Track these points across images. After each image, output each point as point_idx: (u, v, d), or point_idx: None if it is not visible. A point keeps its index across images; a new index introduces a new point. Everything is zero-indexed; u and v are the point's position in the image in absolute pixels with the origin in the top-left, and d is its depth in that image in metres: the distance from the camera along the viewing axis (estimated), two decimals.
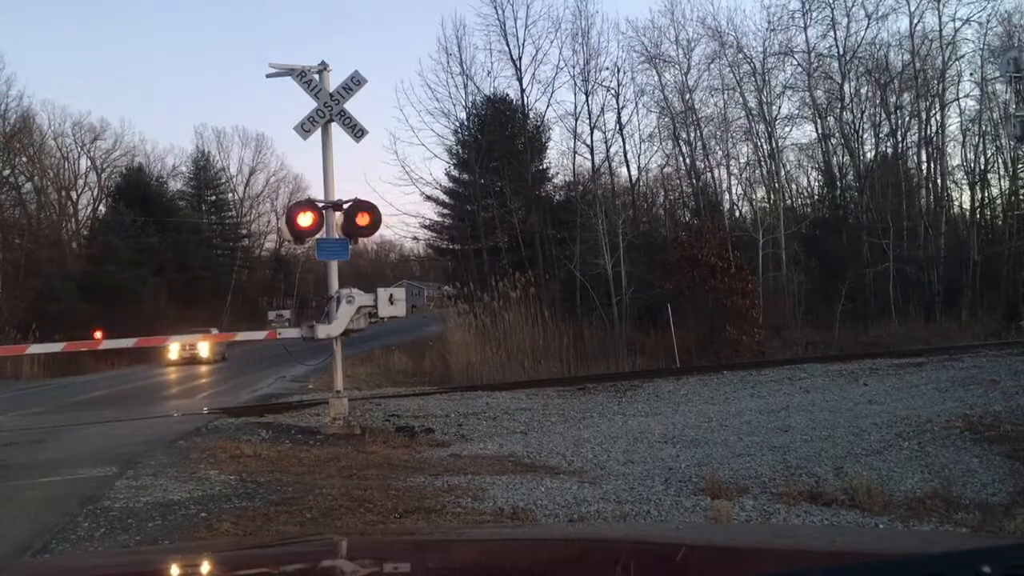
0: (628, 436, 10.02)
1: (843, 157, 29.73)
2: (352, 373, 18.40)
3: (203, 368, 27.94)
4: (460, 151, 29.18)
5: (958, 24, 27.47)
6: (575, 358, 20.17)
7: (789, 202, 30.22)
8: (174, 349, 28.77)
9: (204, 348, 29.19)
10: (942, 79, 27.80)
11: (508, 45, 27.64)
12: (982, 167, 29.04)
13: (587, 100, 27.77)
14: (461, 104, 28.17)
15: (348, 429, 10.71)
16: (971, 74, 28.49)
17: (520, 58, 27.66)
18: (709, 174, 29.63)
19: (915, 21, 27.63)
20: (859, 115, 28.98)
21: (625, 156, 28.95)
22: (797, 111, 29.34)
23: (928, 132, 28.45)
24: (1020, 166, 28.96)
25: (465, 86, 27.87)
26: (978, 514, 6.09)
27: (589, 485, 7.32)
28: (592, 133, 27.86)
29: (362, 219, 10.63)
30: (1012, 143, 26.40)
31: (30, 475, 8.23)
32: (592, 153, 27.90)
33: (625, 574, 1.63)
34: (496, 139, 27.73)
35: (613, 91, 27.97)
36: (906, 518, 6.03)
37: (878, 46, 28.26)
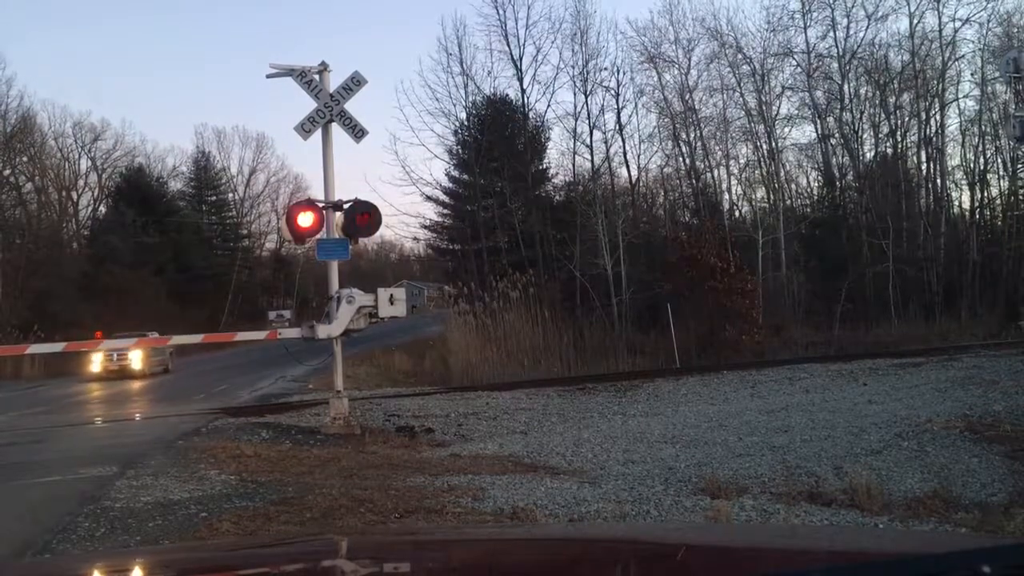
0: (628, 436, 10.03)
1: (843, 157, 29.75)
2: (352, 373, 18.40)
3: (197, 370, 25.43)
4: (460, 151, 29.20)
5: (958, 24, 27.49)
6: (575, 358, 20.19)
7: (789, 202, 30.22)
8: (96, 361, 23.75)
9: (136, 358, 23.83)
10: (942, 79, 27.81)
11: (509, 45, 27.68)
12: (982, 167, 29.05)
13: (587, 100, 27.82)
14: (461, 104, 28.22)
15: (348, 429, 10.71)
16: (971, 74, 28.53)
17: (521, 58, 27.71)
18: (709, 174, 29.67)
19: (915, 21, 27.66)
20: (859, 115, 28.99)
21: (625, 156, 28.99)
22: (797, 111, 29.38)
23: (928, 132, 28.47)
24: (1020, 166, 28.95)
25: (465, 86, 27.92)
26: (978, 514, 6.09)
27: (589, 485, 7.33)
28: (592, 133, 27.92)
29: (362, 219, 10.64)
30: (1012, 143, 26.37)
31: (31, 475, 8.23)
32: (592, 153, 27.95)
33: (625, 574, 1.64)
34: (496, 139, 27.74)
35: (613, 91, 28.02)
36: (906, 518, 6.04)
37: (878, 46, 28.30)
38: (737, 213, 30.44)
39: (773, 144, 28.91)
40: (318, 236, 10.85)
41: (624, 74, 29.76)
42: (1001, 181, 29.60)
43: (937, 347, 18.65)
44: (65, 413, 15.44)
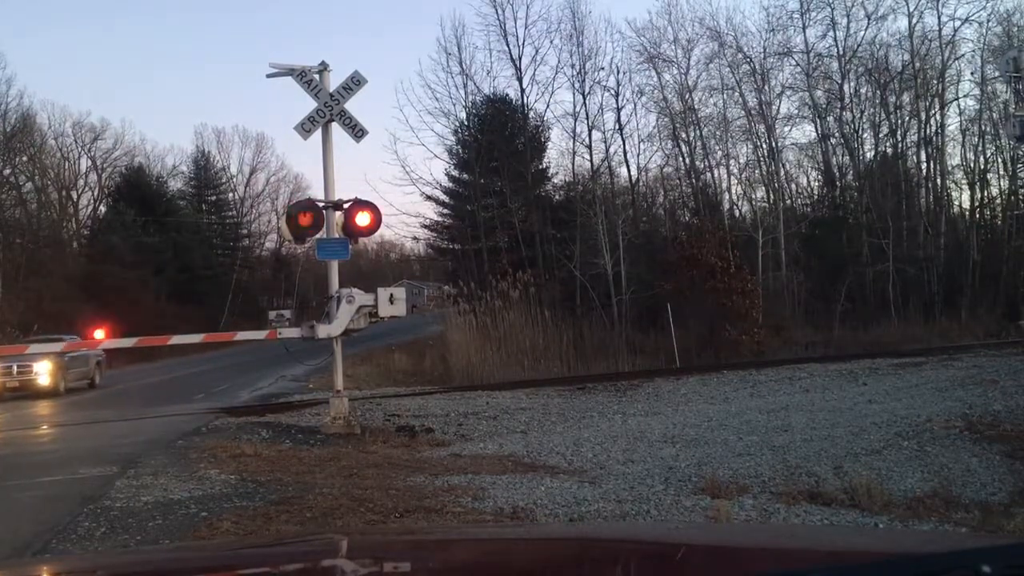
0: (628, 435, 10.03)
1: (843, 157, 29.75)
2: (352, 373, 18.39)
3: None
4: (460, 151, 29.21)
5: (957, 24, 27.50)
6: (575, 358, 20.19)
7: (789, 202, 30.21)
8: None
9: (44, 372, 18.67)
10: (942, 79, 27.81)
11: (508, 45, 27.72)
12: (982, 167, 29.05)
13: (585, 100, 27.85)
14: (461, 104, 28.25)
15: (348, 429, 10.71)
16: (971, 74, 28.52)
17: (520, 58, 27.75)
18: (709, 174, 29.66)
19: (914, 21, 27.66)
20: (859, 115, 28.99)
21: (625, 156, 28.99)
22: (797, 111, 29.37)
23: (928, 132, 28.46)
24: (1020, 166, 28.95)
25: (465, 86, 27.96)
26: (978, 514, 6.10)
27: (589, 484, 7.33)
28: (591, 133, 27.95)
29: (362, 219, 10.64)
30: (1012, 143, 26.36)
31: (30, 474, 8.22)
32: (591, 153, 27.97)
33: (625, 574, 1.64)
34: (496, 139, 27.74)
35: (612, 91, 28.04)
36: (906, 518, 6.04)
37: (878, 46, 28.28)
38: (737, 213, 30.43)
39: (773, 144, 28.92)
40: (318, 236, 10.85)
41: (623, 74, 29.73)
42: (1001, 181, 29.63)
43: (937, 347, 18.65)
44: None
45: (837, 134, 29.30)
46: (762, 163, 29.53)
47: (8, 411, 15.92)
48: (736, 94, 28.53)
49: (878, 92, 28.53)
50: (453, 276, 26.93)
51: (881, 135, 29.37)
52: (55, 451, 10.08)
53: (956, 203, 30.61)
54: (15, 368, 18.51)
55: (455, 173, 30.06)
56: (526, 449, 9.46)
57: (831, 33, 28.29)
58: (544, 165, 30.10)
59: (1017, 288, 25.65)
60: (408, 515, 6.00)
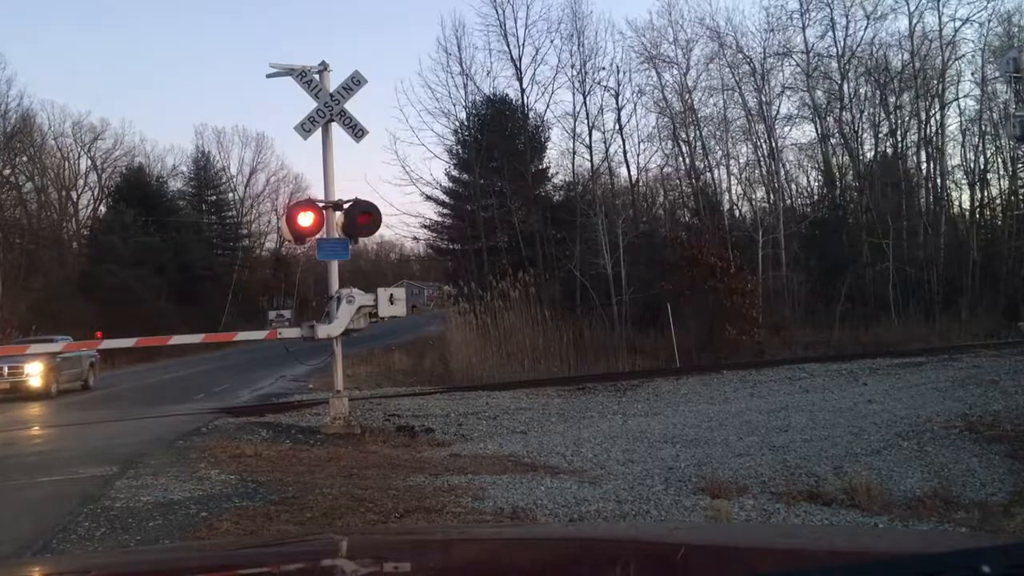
0: (628, 436, 10.02)
1: (843, 157, 29.75)
2: (352, 373, 18.39)
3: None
4: (460, 151, 29.24)
5: (958, 24, 27.51)
6: (575, 358, 20.17)
7: (789, 202, 30.24)
8: None
9: (36, 373, 18.23)
10: (942, 79, 27.81)
11: (508, 45, 27.77)
12: (982, 167, 29.05)
13: (585, 101, 27.89)
14: (461, 104, 28.29)
15: (348, 429, 10.71)
16: (971, 74, 28.53)
17: (520, 58, 27.79)
18: (709, 174, 29.69)
19: (914, 21, 27.68)
20: (858, 115, 29.01)
21: (625, 156, 29.03)
22: (796, 111, 29.40)
23: (928, 132, 28.47)
24: (1020, 166, 28.95)
25: (465, 86, 27.99)
26: (977, 514, 6.10)
27: (589, 485, 7.33)
28: (591, 133, 28.00)
29: (362, 219, 10.65)
30: (1012, 143, 26.38)
31: (31, 474, 8.23)
32: (591, 153, 28.01)
33: (625, 574, 1.64)
34: (496, 139, 27.77)
35: (612, 91, 28.08)
36: (905, 518, 6.04)
37: (877, 46, 28.31)
38: (737, 213, 30.47)
39: (773, 144, 28.95)
40: (318, 236, 10.85)
41: (623, 74, 29.79)
42: (1001, 181, 29.65)
43: (937, 347, 18.62)
44: None
45: (837, 134, 29.33)
46: (762, 163, 29.60)
47: (1, 413, 15.88)
48: (736, 94, 28.59)
49: (878, 92, 28.56)
50: (453, 276, 26.94)
51: (881, 135, 29.41)
52: (54, 451, 10.08)
53: (956, 203, 30.65)
54: (5, 370, 18.07)
55: (455, 173, 30.11)
56: (526, 449, 9.46)
57: (830, 33, 28.34)
58: (544, 165, 30.17)
59: (1017, 288, 25.64)
60: (408, 515, 6.00)
